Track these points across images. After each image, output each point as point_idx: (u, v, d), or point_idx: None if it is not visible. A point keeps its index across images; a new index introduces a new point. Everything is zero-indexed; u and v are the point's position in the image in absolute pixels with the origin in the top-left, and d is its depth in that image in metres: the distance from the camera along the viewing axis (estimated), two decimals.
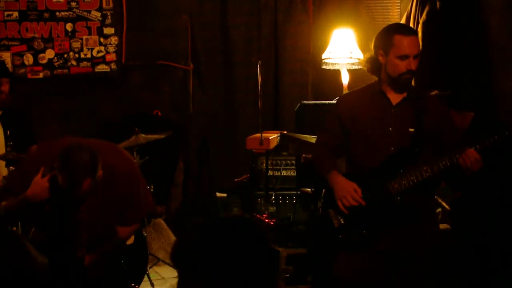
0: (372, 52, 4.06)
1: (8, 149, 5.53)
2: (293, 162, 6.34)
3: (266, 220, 5.77)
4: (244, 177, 6.68)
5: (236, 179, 6.79)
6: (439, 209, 5.09)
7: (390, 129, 3.98)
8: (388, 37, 3.95)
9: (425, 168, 3.88)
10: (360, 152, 4.07)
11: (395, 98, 4.02)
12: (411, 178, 3.89)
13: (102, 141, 4.46)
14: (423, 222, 4.00)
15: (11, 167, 5.42)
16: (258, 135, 6.07)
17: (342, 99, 4.32)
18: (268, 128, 6.76)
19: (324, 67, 6.91)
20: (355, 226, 4.00)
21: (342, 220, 4.02)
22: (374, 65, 4.05)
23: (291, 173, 6.36)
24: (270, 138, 6.12)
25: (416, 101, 4.01)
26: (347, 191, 3.98)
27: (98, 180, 3.90)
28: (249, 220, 2.17)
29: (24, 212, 4.09)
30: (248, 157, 6.55)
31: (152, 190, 5.90)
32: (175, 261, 2.14)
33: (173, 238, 6.65)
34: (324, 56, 6.77)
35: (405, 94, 4.02)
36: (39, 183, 3.95)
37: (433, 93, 5.00)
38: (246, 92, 7.49)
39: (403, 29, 4.00)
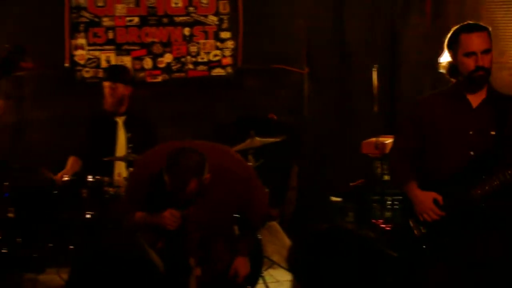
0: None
1: (128, 151, 5.68)
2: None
3: (382, 226, 5.71)
4: (359, 181, 6.63)
5: (351, 184, 6.75)
6: None
7: (470, 132, 3.90)
8: (454, 37, 3.94)
9: (510, 172, 3.77)
10: (437, 156, 3.99)
11: (475, 100, 3.95)
12: (495, 183, 3.79)
13: (216, 144, 4.51)
14: (506, 228, 3.91)
15: (131, 169, 5.57)
16: (374, 139, 6.02)
17: (422, 101, 4.21)
18: (384, 132, 6.68)
19: (441, 70, 6.78)
20: (437, 235, 3.93)
21: (423, 229, 3.96)
22: (452, 67, 4.02)
23: None
24: (386, 142, 6.07)
25: (497, 103, 3.92)
26: (428, 205, 3.92)
27: (205, 182, 3.94)
28: (364, 231, 2.16)
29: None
30: (364, 161, 6.49)
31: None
32: (290, 265, 2.14)
33: (287, 241, 6.65)
34: (441, 59, 6.64)
35: (484, 96, 3.93)
36: (170, 215, 4.03)
37: None
38: (361, 96, 7.41)
39: (468, 27, 3.95)
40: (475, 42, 3.85)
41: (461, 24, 4.12)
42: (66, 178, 5.66)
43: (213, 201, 4.11)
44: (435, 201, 3.92)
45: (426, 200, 3.93)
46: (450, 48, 3.98)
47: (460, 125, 3.95)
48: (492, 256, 3.89)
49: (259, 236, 5.26)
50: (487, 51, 3.86)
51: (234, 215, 4.30)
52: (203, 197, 4.04)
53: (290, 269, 2.15)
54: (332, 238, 2.10)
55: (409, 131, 4.13)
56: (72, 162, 5.91)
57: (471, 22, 4.03)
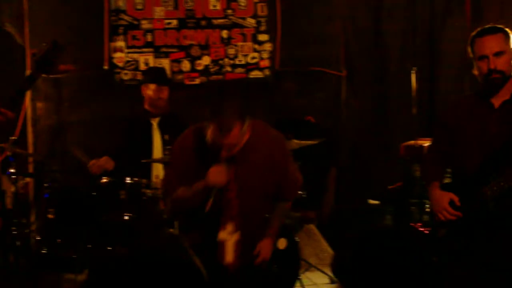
0: None
1: (166, 153, 5.69)
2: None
3: (420, 229, 5.66)
4: (397, 184, 6.59)
5: (389, 187, 6.71)
6: None
7: (490, 133, 3.95)
8: (471, 43, 4.02)
9: None
10: (463, 156, 4.06)
11: (497, 101, 3.99)
12: (501, 184, 3.81)
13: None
14: None
15: None
16: (413, 142, 5.99)
17: (452, 104, 4.32)
18: (423, 135, 6.64)
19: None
20: (457, 235, 3.97)
21: (445, 229, 4.03)
22: None
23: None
24: (424, 145, 6.03)
25: None
26: (442, 205, 4.00)
27: (245, 135, 3.93)
28: (407, 233, 2.15)
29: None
30: (402, 164, 6.46)
31: (304, 195, 5.91)
32: (336, 273, 2.14)
33: (325, 244, 6.65)
34: None
35: (508, 97, 3.96)
36: (216, 170, 4.00)
37: None
38: (400, 99, 7.37)
39: (481, 31, 4.02)
40: (486, 45, 3.92)
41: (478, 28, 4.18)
42: (105, 180, 5.70)
43: (253, 164, 4.07)
44: (452, 202, 3.99)
45: (442, 201, 4.03)
46: (471, 54, 4.06)
47: (481, 126, 4.01)
48: (501, 256, 3.91)
49: (297, 239, 5.25)
50: (499, 54, 3.91)
51: (271, 185, 4.24)
52: (244, 159, 4.01)
53: (334, 273, 2.15)
54: (374, 241, 2.10)
55: (440, 133, 4.25)
56: (105, 159, 5.89)
57: (488, 26, 4.05)
